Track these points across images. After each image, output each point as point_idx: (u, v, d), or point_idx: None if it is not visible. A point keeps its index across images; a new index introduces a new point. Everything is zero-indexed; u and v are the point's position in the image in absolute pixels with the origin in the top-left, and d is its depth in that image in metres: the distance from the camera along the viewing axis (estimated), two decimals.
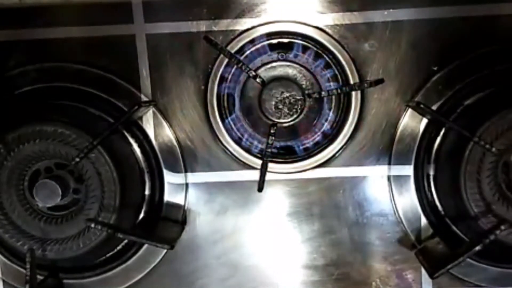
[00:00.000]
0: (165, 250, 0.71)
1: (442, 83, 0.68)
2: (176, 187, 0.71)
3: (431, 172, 0.68)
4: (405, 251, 0.70)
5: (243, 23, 0.69)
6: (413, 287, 0.70)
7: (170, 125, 0.71)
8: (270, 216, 0.71)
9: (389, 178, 0.70)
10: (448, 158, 0.65)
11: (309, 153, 0.70)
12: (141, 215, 0.70)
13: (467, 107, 0.66)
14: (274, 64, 0.70)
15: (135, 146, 0.69)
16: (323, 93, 0.68)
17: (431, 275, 0.61)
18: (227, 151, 0.71)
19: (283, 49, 0.70)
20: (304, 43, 0.69)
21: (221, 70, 0.69)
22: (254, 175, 0.70)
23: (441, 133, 0.67)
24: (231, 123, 0.71)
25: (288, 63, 0.70)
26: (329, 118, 0.71)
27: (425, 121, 0.69)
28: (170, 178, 0.71)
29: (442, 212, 0.68)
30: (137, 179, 0.69)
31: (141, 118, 0.71)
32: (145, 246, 0.70)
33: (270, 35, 0.69)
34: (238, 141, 0.71)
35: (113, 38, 0.69)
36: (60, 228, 0.63)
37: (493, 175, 0.60)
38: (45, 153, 0.62)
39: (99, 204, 0.62)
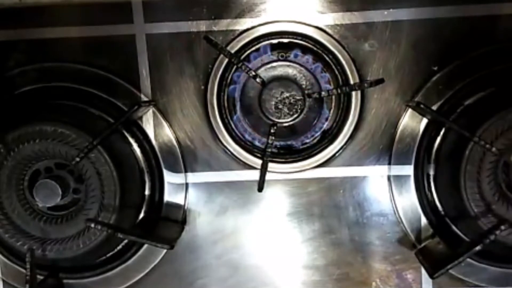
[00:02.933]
0: (165, 250, 0.71)
1: (442, 83, 0.68)
2: (176, 187, 0.71)
3: (431, 172, 0.68)
4: (405, 251, 0.70)
5: (243, 23, 0.69)
6: (413, 287, 0.70)
7: (170, 125, 0.71)
8: (270, 216, 0.71)
9: (389, 178, 0.70)
10: (448, 158, 0.65)
11: (309, 153, 0.70)
12: (141, 215, 0.70)
13: (467, 107, 0.66)
14: (274, 64, 0.70)
15: (135, 146, 0.69)
16: (323, 93, 0.68)
17: (431, 275, 0.61)
18: (227, 151, 0.71)
19: (283, 49, 0.70)
20: (304, 43, 0.69)
21: (221, 70, 0.69)
22: (254, 175, 0.70)
23: (441, 133, 0.67)
24: (233, 123, 0.71)
25: (288, 63, 0.70)
26: (329, 118, 0.71)
27: (425, 121, 0.69)
28: (170, 178, 0.71)
29: (442, 212, 0.68)
30: (137, 179, 0.69)
31: (141, 118, 0.71)
32: (145, 246, 0.70)
33: (270, 35, 0.69)
34: (238, 141, 0.71)
35: (113, 38, 0.69)
36: (60, 228, 0.63)
37: (493, 175, 0.60)
38: (45, 153, 0.62)
39: (99, 204, 0.62)
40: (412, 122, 0.69)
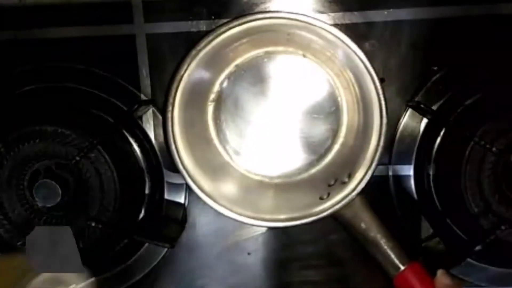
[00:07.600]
0: (165, 250, 0.71)
1: (442, 83, 0.68)
2: (176, 187, 0.71)
3: (431, 172, 0.68)
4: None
5: None
6: None
7: None
8: None
9: (389, 178, 0.70)
10: (448, 158, 0.65)
11: None
12: (141, 215, 0.70)
13: (467, 107, 0.66)
14: None
15: (135, 146, 0.69)
16: None
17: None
18: None
19: None
20: None
21: None
22: None
23: (441, 133, 0.67)
24: None
25: None
26: None
27: (425, 121, 0.69)
28: (170, 178, 0.71)
29: (442, 212, 0.68)
30: (137, 179, 0.69)
31: (141, 117, 0.71)
32: (145, 245, 0.70)
33: None
34: None
35: (113, 38, 0.69)
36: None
37: (493, 175, 0.60)
38: (45, 153, 0.62)
39: (99, 204, 0.62)
40: (412, 122, 0.69)
